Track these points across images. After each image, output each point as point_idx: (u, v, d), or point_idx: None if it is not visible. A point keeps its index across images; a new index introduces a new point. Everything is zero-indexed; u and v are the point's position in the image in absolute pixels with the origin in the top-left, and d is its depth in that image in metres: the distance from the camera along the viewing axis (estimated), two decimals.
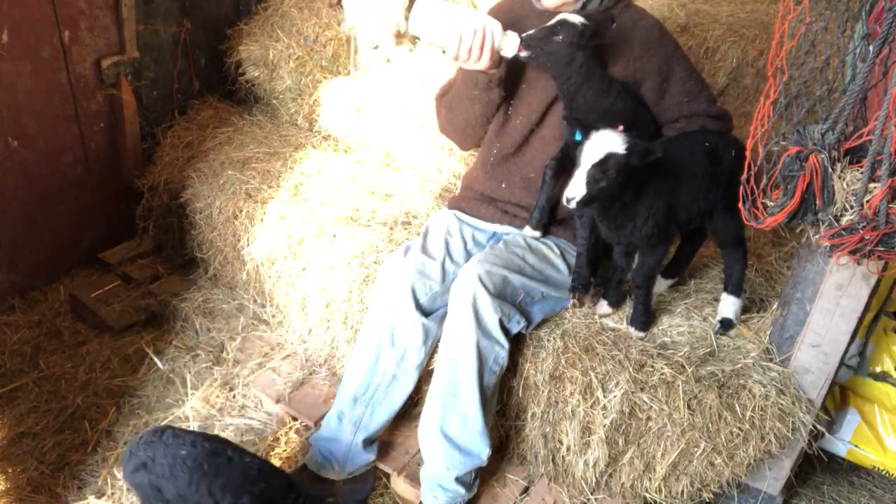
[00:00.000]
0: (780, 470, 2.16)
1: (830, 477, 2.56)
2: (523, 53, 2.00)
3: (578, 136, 1.85)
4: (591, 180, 1.78)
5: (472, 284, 2.00)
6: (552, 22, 1.97)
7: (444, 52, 2.09)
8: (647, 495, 2.17)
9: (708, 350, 2.08)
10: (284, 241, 2.64)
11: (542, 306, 2.15)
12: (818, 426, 2.05)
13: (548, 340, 2.13)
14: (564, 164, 2.18)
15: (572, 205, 1.80)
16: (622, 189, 1.85)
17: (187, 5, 3.34)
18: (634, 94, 2.14)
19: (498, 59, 2.06)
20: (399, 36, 3.13)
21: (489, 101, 2.21)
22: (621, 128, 2.04)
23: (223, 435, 2.42)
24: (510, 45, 2.00)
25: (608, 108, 2.04)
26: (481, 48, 1.99)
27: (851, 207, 1.51)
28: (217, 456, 1.84)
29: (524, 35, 1.99)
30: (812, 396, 2.02)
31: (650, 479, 2.13)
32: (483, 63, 2.03)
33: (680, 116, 2.17)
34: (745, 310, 2.20)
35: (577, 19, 1.94)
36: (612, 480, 2.19)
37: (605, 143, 1.79)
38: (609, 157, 1.78)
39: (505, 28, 2.01)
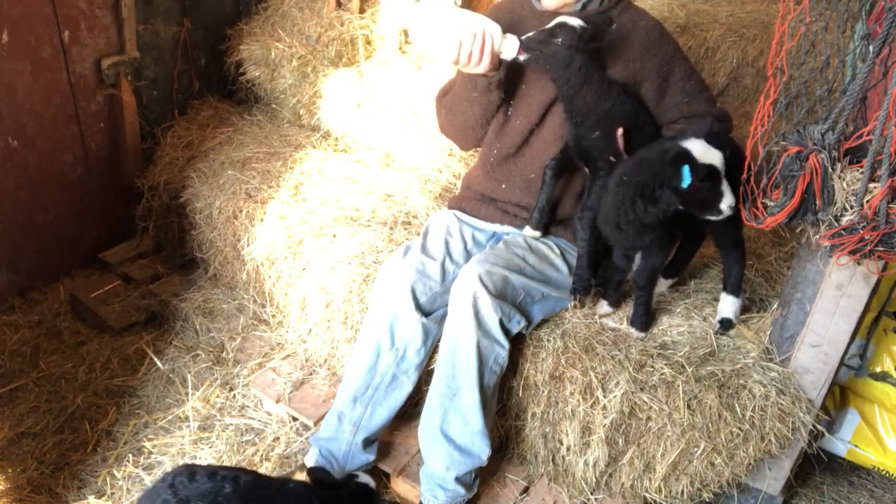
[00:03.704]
0: (780, 470, 2.16)
1: (830, 477, 2.56)
2: (522, 56, 2.00)
3: (687, 180, 1.80)
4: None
5: (472, 284, 2.00)
6: (551, 24, 1.97)
7: (441, 57, 2.08)
8: (647, 495, 2.17)
9: (708, 350, 2.08)
10: (284, 241, 2.64)
11: (542, 306, 2.15)
12: (818, 426, 2.05)
13: (548, 340, 2.13)
14: (564, 164, 2.18)
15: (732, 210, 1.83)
16: None
17: (187, 5, 3.34)
18: (635, 96, 2.14)
19: (497, 62, 2.06)
20: None
21: (489, 103, 2.21)
22: (621, 131, 2.05)
23: (224, 436, 2.42)
24: (510, 47, 2.00)
25: (608, 109, 2.04)
26: (481, 52, 1.98)
27: (851, 207, 1.51)
28: (264, 489, 1.77)
29: (523, 38, 1.99)
30: (812, 396, 2.02)
31: (650, 479, 2.13)
32: (483, 66, 2.02)
33: (680, 117, 2.17)
34: (745, 310, 2.20)
35: (577, 22, 1.94)
36: (612, 480, 2.19)
37: (713, 150, 1.81)
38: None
39: (504, 29, 2.00)
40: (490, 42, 1.98)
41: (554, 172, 2.17)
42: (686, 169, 1.78)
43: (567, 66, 1.98)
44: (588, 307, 2.23)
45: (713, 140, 1.84)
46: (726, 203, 1.81)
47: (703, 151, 1.80)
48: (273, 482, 1.83)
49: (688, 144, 1.82)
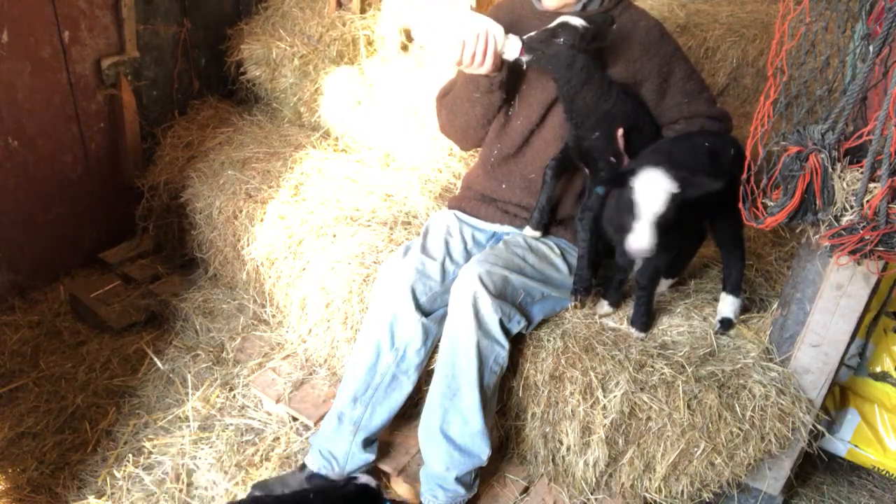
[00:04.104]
0: (780, 470, 2.16)
1: (830, 477, 2.56)
2: (525, 57, 2.00)
3: (601, 191, 1.80)
4: (659, 227, 1.75)
5: (472, 284, 2.00)
6: (553, 24, 1.96)
7: (444, 58, 2.08)
8: (647, 495, 2.17)
9: (708, 350, 2.08)
10: (284, 241, 2.64)
11: (542, 306, 2.15)
12: (818, 426, 2.05)
13: (548, 340, 2.13)
14: (565, 165, 2.18)
15: (645, 255, 1.78)
16: None
17: (187, 5, 3.34)
18: (635, 96, 2.13)
19: (500, 63, 2.06)
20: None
21: (490, 104, 2.21)
22: (621, 131, 2.05)
23: (224, 436, 2.42)
24: (512, 48, 2.00)
25: (608, 110, 2.04)
26: (484, 53, 1.98)
27: (851, 207, 1.51)
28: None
29: (525, 38, 1.99)
30: (812, 396, 2.02)
31: (650, 479, 2.13)
32: (486, 67, 2.02)
33: (680, 117, 2.16)
34: (745, 310, 2.20)
35: (579, 22, 1.94)
36: (612, 480, 2.19)
37: (657, 185, 1.74)
38: (671, 199, 1.74)
39: (505, 29, 2.00)
40: (493, 43, 1.98)
41: (554, 173, 2.17)
42: (600, 188, 1.78)
43: (569, 67, 1.98)
44: (588, 307, 2.23)
45: (685, 174, 1.76)
46: (631, 243, 1.74)
47: (646, 185, 1.74)
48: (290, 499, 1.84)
49: (645, 172, 1.76)
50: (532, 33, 1.99)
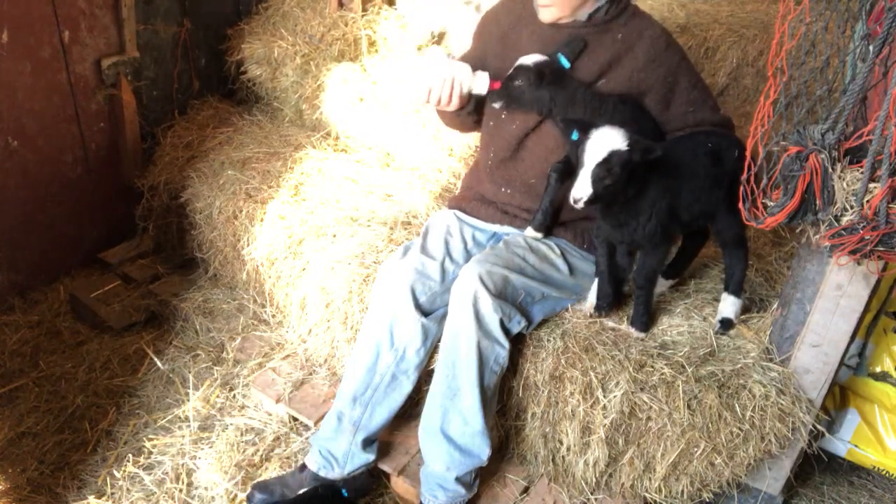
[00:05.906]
0: (780, 470, 2.16)
1: (830, 477, 2.56)
2: (497, 104, 2.10)
3: (575, 136, 1.86)
4: (597, 179, 1.80)
5: (472, 284, 2.00)
6: (511, 71, 2.06)
7: (412, 101, 2.21)
8: (647, 495, 2.17)
9: (708, 350, 2.08)
10: (284, 241, 2.64)
11: (542, 306, 2.15)
12: (818, 426, 2.05)
13: (548, 340, 2.13)
14: (570, 168, 2.17)
15: (580, 205, 1.82)
16: (625, 186, 1.85)
17: (187, 5, 3.35)
18: (634, 102, 2.12)
19: (467, 99, 2.18)
20: None
21: (468, 119, 2.34)
22: None
23: (224, 436, 2.42)
24: (481, 85, 2.10)
25: (606, 123, 2.04)
26: (450, 97, 2.12)
27: (851, 207, 1.51)
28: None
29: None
30: (812, 396, 2.02)
31: (650, 479, 2.13)
32: (453, 107, 2.16)
33: (684, 126, 2.15)
34: (745, 310, 2.20)
35: (531, 60, 2.03)
36: (612, 480, 2.19)
37: (607, 140, 1.81)
38: (612, 155, 1.79)
39: (505, 32, 2.02)
40: (458, 87, 2.11)
41: (559, 176, 2.16)
42: (574, 133, 1.90)
43: (539, 103, 2.06)
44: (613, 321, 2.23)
45: (640, 144, 1.84)
46: (573, 191, 1.83)
47: (602, 139, 1.82)
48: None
49: (605, 128, 1.84)
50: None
